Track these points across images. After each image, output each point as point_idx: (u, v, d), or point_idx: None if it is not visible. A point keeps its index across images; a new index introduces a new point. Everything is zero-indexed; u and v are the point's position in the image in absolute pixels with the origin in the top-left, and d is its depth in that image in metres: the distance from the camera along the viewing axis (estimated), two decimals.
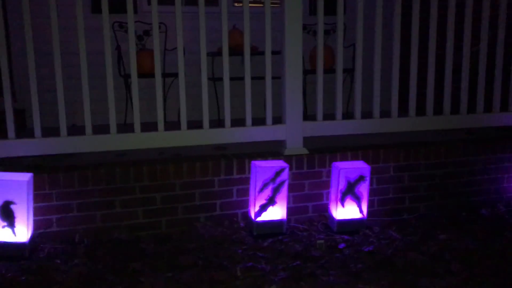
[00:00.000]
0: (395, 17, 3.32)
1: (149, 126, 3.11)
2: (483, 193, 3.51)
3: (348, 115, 3.43)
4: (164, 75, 4.43)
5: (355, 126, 3.36)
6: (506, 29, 3.50)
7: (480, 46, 3.48)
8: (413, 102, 3.43)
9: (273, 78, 3.23)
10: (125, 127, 3.76)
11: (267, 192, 3.00)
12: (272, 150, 3.28)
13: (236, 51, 3.76)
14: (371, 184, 3.28)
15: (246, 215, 3.15)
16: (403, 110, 3.46)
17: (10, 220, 2.59)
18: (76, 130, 3.22)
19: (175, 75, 4.12)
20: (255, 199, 3.00)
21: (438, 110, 3.49)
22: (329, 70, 3.46)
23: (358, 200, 3.10)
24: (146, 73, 3.98)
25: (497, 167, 3.52)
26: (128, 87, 4.39)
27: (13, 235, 2.61)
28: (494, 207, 3.47)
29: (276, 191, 3.01)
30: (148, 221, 3.01)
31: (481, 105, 3.53)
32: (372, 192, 3.28)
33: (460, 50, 3.48)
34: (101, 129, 3.02)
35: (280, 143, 3.28)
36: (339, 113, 3.34)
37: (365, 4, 3.28)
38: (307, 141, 3.29)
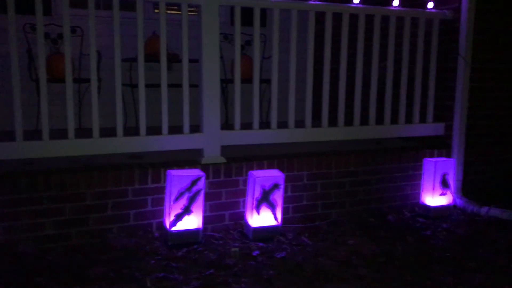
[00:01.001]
0: (309, 32, 3.46)
1: (62, 133, 2.98)
2: (390, 200, 3.74)
3: (264, 124, 3.50)
4: (80, 80, 4.28)
5: (271, 136, 3.45)
6: (409, 47, 3.76)
7: (387, 62, 3.72)
8: (325, 114, 3.58)
9: (193, 86, 3.23)
10: (37, 134, 3.58)
11: (183, 201, 2.99)
12: (189, 159, 3.27)
13: (156, 57, 3.71)
14: (286, 191, 3.38)
15: (161, 225, 3.12)
16: (317, 121, 3.60)
17: None
18: None
19: (87, 80, 3.99)
20: (170, 208, 2.98)
21: (349, 121, 3.67)
22: (250, 80, 3.53)
23: (273, 208, 3.18)
24: (60, 78, 3.81)
25: (403, 175, 3.76)
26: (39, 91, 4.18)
27: None
28: (400, 213, 3.71)
29: (192, 200, 3.01)
30: (56, 233, 2.88)
31: (388, 117, 3.76)
32: (287, 200, 3.38)
33: (369, 65, 3.69)
34: (7, 135, 2.85)
35: (198, 152, 3.28)
36: (256, 122, 3.41)
37: (283, 18, 3.38)
38: (226, 150, 3.32)
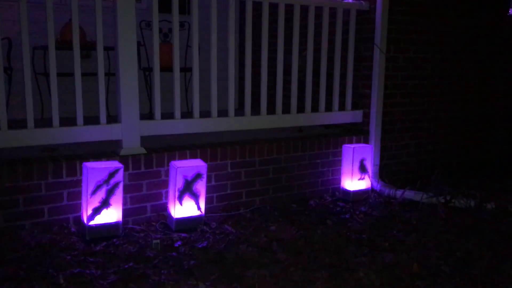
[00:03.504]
0: (229, 21, 3.44)
1: None
2: (312, 186, 3.84)
3: (189, 114, 3.46)
4: None
5: (194, 125, 3.42)
6: (329, 37, 3.86)
7: (307, 52, 3.79)
8: (248, 102, 3.60)
9: (112, 75, 3.12)
10: None
11: (101, 194, 2.89)
12: (107, 150, 3.17)
13: (70, 45, 3.55)
14: (210, 181, 3.38)
15: (79, 219, 3.00)
16: (240, 109, 3.61)
17: None
18: None
19: None
20: (87, 202, 2.87)
21: (271, 109, 3.71)
22: (167, 68, 3.46)
23: (196, 198, 3.16)
24: None
25: (324, 161, 3.88)
26: None
27: None
28: (321, 198, 3.83)
29: (110, 193, 2.92)
30: None
31: (309, 106, 3.85)
32: (211, 189, 3.38)
33: (290, 54, 3.75)
34: None
35: (116, 143, 3.19)
36: (177, 112, 3.36)
37: (204, 5, 3.34)
38: (147, 140, 3.25)
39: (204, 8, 3.40)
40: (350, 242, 3.00)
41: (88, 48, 4.11)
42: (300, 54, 3.77)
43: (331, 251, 2.86)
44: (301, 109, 3.85)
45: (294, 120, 3.81)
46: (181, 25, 4.51)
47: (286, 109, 3.77)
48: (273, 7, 3.62)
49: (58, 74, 3.00)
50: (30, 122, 2.90)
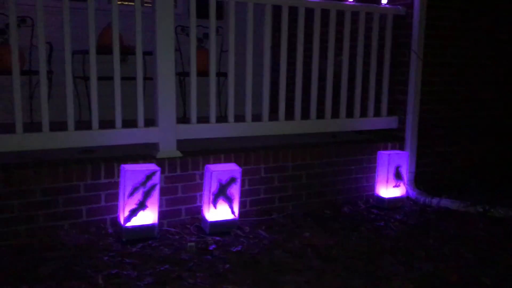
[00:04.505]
0: (265, 26, 3.46)
1: (11, 127, 2.85)
2: (346, 192, 3.80)
3: (221, 118, 3.48)
4: (30, 72, 4.12)
5: (228, 129, 3.43)
6: (364, 42, 3.83)
7: (342, 57, 3.77)
8: (282, 107, 3.60)
9: (149, 79, 3.17)
10: None
11: (138, 196, 2.94)
12: (144, 153, 3.22)
13: (110, 49, 3.63)
14: (243, 185, 3.38)
15: (116, 221, 3.06)
16: (274, 114, 3.61)
17: None
18: None
19: (34, 72, 3.86)
20: (124, 204, 2.92)
21: (305, 114, 3.70)
22: (207, 73, 3.50)
23: (230, 202, 3.17)
24: (7, 70, 3.65)
25: (358, 167, 3.83)
26: None
27: None
28: (355, 205, 3.78)
29: (147, 195, 2.96)
30: (4, 230, 2.78)
31: (343, 111, 3.82)
32: (244, 193, 3.38)
33: (325, 59, 3.73)
34: None
35: (153, 146, 3.23)
36: (212, 116, 3.39)
37: (240, 11, 3.36)
38: (182, 143, 3.29)
39: (238, 14, 3.41)
40: (386, 250, 2.95)
41: (125, 52, 4.19)
42: (335, 59, 3.75)
43: (366, 259, 2.82)
44: (335, 114, 3.82)
45: (328, 125, 3.78)
46: (216, 30, 4.56)
47: (320, 115, 3.75)
48: (309, 12, 3.61)
49: (99, 78, 3.06)
50: (71, 125, 2.97)
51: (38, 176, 2.82)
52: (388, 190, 3.76)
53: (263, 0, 3.43)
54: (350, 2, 3.74)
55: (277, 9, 3.58)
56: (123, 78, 3.35)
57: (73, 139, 2.98)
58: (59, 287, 2.35)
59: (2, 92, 3.47)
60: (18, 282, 2.39)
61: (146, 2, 3.13)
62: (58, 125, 2.98)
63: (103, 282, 2.40)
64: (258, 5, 3.43)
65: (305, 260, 2.77)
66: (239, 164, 3.30)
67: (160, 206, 3.10)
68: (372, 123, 3.96)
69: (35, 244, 2.81)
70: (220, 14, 4.37)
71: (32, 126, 2.95)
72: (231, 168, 3.19)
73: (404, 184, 3.83)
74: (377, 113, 4.00)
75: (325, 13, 3.66)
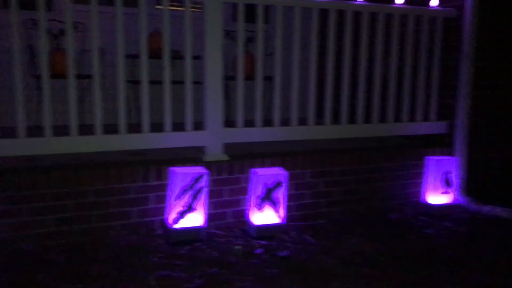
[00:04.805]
0: (312, 30, 3.44)
1: (64, 129, 2.95)
2: (392, 198, 3.73)
3: (266, 122, 3.48)
4: (81, 76, 4.24)
5: (274, 133, 3.44)
6: (413, 45, 3.75)
7: (390, 60, 3.70)
8: (328, 112, 3.57)
9: (195, 83, 3.21)
10: (37, 130, 3.57)
11: (186, 198, 2.98)
12: (191, 156, 3.26)
13: (157, 54, 3.70)
14: (289, 189, 3.37)
15: (164, 222, 3.11)
16: (320, 117, 3.58)
17: None
18: None
19: (86, 76, 3.97)
20: (173, 206, 2.97)
21: (352, 119, 3.65)
22: (251, 77, 3.52)
23: (275, 206, 3.17)
24: (61, 74, 3.78)
25: (405, 173, 3.75)
26: (40, 87, 4.15)
27: None
28: (401, 211, 3.70)
29: (195, 197, 3.00)
30: (59, 230, 2.87)
31: (391, 115, 3.75)
32: (290, 198, 3.37)
33: (372, 63, 3.68)
34: (8, 132, 2.83)
35: (200, 149, 3.27)
36: (258, 120, 3.40)
37: (284, 14, 3.36)
38: (227, 147, 3.31)
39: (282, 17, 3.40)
40: (436, 259, 2.87)
41: (172, 57, 4.25)
42: (382, 63, 3.69)
43: (416, 267, 2.75)
44: (382, 118, 3.75)
45: (375, 130, 3.72)
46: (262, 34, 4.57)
47: (366, 119, 3.70)
48: (357, 15, 3.57)
49: (139, 82, 3.11)
50: (122, 128, 3.05)
51: (91, 178, 2.90)
52: (437, 197, 3.66)
53: (310, 4, 3.42)
54: (399, 4, 3.68)
55: (323, 13, 3.55)
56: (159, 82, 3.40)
57: (125, 142, 3.05)
58: (113, 286, 2.41)
59: (57, 95, 3.57)
60: (74, 280, 2.46)
61: (193, 7, 3.17)
62: (108, 128, 3.05)
63: (155, 283, 2.44)
64: (304, 9, 3.42)
65: (354, 267, 2.74)
66: (285, 168, 3.29)
67: (206, 209, 3.13)
68: (421, 128, 3.87)
69: (88, 243, 2.90)
70: (265, 18, 4.38)
71: (84, 129, 3.03)
72: (277, 172, 3.18)
73: (453, 191, 3.72)
74: (425, 118, 3.90)
75: (372, 16, 3.61)
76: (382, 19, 3.62)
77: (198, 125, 3.26)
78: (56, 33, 4.21)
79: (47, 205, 2.83)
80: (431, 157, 3.72)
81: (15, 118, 2.80)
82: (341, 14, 3.54)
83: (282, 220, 3.20)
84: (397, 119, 3.80)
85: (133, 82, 4.28)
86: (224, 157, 3.26)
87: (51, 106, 2.90)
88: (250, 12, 3.30)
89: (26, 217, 2.79)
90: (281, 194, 3.17)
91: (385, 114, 3.75)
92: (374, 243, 3.08)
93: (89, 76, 4.17)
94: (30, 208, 2.79)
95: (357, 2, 3.56)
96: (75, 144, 2.93)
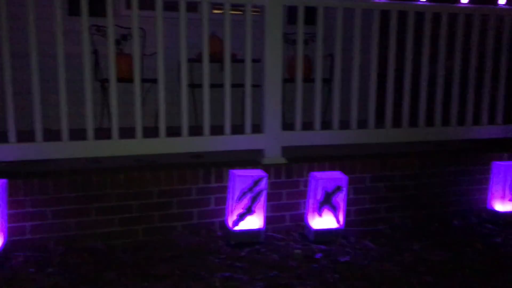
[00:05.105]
0: (373, 31, 3.38)
1: (124, 132, 3.05)
2: (455, 205, 3.60)
3: (324, 124, 3.45)
4: (142, 81, 4.37)
5: (333, 137, 3.40)
6: (478, 45, 3.60)
7: (453, 61, 3.58)
8: (389, 114, 3.49)
9: (252, 86, 3.23)
10: (101, 132, 3.70)
11: (245, 201, 3.00)
12: (249, 158, 3.28)
13: (214, 58, 3.75)
14: (348, 194, 3.32)
15: (224, 224, 3.14)
16: (379, 120, 3.51)
17: None
18: (50, 134, 3.15)
19: (152, 80, 4.08)
20: (233, 208, 2.99)
21: (413, 122, 3.56)
22: (306, 79, 3.50)
23: (335, 210, 3.13)
24: (123, 78, 3.91)
25: (469, 179, 3.61)
26: (104, 91, 4.32)
27: None
28: (465, 218, 3.56)
29: (254, 200, 3.01)
30: (124, 229, 2.96)
31: (454, 118, 3.62)
32: (348, 202, 3.32)
33: (435, 65, 3.57)
34: (76, 134, 2.96)
35: (258, 152, 3.28)
36: (317, 123, 3.37)
37: (343, 15, 3.33)
38: (285, 150, 3.30)
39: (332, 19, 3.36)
40: (505, 269, 2.75)
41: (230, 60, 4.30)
42: (445, 64, 3.56)
43: (484, 277, 2.64)
44: (444, 121, 3.63)
45: (438, 133, 3.60)
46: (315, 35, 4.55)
47: (428, 122, 3.59)
48: (419, 15, 3.47)
49: (197, 85, 3.16)
50: (185, 131, 3.11)
51: (155, 179, 2.97)
52: (504, 204, 3.50)
53: (371, 6, 3.37)
54: (464, 4, 3.54)
55: (384, 13, 3.48)
56: (221, 86, 3.43)
57: (187, 144, 3.11)
58: (178, 286, 2.46)
59: (120, 99, 3.70)
60: (139, 279, 2.53)
61: (253, 10, 3.19)
62: (167, 130, 3.10)
63: (220, 284, 2.47)
64: (365, 10, 3.36)
65: (417, 275, 2.66)
66: (344, 172, 3.25)
67: (265, 212, 3.13)
68: (486, 131, 3.71)
69: (151, 243, 2.97)
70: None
71: (144, 131, 3.10)
72: (337, 177, 3.15)
73: None
74: (491, 121, 3.74)
75: (435, 16, 3.50)
76: (445, 19, 3.50)
77: (256, 128, 3.28)
78: (118, 38, 4.36)
79: (113, 205, 2.93)
80: (498, 162, 3.56)
81: (83, 120, 2.91)
82: (402, 15, 3.45)
83: (340, 225, 3.16)
84: (461, 122, 3.66)
85: (191, 86, 4.37)
86: (282, 160, 3.26)
87: (117, 109, 2.99)
88: (309, 15, 3.27)
89: (93, 217, 2.90)
90: (340, 199, 3.13)
91: (448, 117, 3.63)
92: (437, 250, 2.98)
93: (149, 80, 4.31)
94: (97, 207, 2.90)
95: (419, 3, 3.47)
96: (140, 146, 3.02)
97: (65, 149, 2.85)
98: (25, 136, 2.86)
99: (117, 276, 2.55)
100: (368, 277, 2.63)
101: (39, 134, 2.82)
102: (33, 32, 2.76)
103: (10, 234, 2.72)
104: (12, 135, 2.78)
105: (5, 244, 2.65)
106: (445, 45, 3.54)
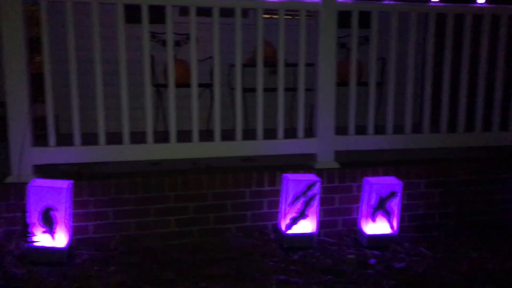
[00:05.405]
0: (429, 34, 3.33)
1: (186, 136, 3.13)
2: None
3: (378, 128, 3.42)
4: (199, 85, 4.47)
5: (387, 141, 3.37)
6: None
7: (497, 64, 3.47)
8: (444, 119, 3.42)
9: (296, 90, 3.25)
10: (157, 135, 3.82)
11: (298, 205, 3.02)
12: (301, 162, 3.30)
13: (264, 62, 3.79)
14: (402, 199, 3.28)
15: (276, 227, 3.17)
16: (433, 125, 3.45)
17: (49, 225, 2.66)
18: (111, 138, 3.29)
19: (204, 85, 4.17)
20: (286, 211, 3.02)
21: (469, 126, 3.47)
22: (348, 83, 3.47)
23: (389, 216, 3.10)
24: (177, 83, 4.02)
25: None
26: (159, 96, 4.45)
27: (52, 240, 2.67)
28: None
29: (307, 204, 3.03)
30: (180, 230, 3.05)
31: (497, 123, 3.50)
32: (402, 208, 3.27)
33: (494, 67, 3.46)
34: (133, 137, 3.06)
35: (310, 156, 3.30)
36: (371, 127, 3.35)
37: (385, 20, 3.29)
38: (336, 154, 3.30)
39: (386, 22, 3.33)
40: None
41: (276, 65, 4.33)
42: (505, 66, 3.45)
43: None
44: (503, 126, 3.51)
45: (496, 138, 3.50)
46: (367, 39, 4.51)
47: (486, 126, 3.49)
48: (459, 16, 3.37)
49: (252, 90, 3.20)
50: (238, 135, 3.17)
51: (210, 182, 3.05)
52: None
53: (427, 9, 3.32)
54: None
55: (421, 16, 3.42)
56: (274, 89, 3.47)
57: (240, 148, 3.17)
58: (233, 287, 2.51)
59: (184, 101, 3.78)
60: (196, 279, 2.60)
61: (292, 15, 3.23)
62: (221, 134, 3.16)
63: (276, 287, 2.50)
64: (420, 13, 3.32)
65: (477, 284, 2.59)
66: (398, 178, 3.21)
67: (318, 216, 3.14)
68: None
69: (205, 244, 3.04)
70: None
71: (205, 135, 3.18)
72: (392, 182, 3.12)
73: None
74: None
75: (493, 19, 3.40)
76: (488, 21, 3.39)
77: (308, 132, 3.29)
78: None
79: (170, 206, 3.02)
80: None
81: (139, 124, 3.01)
82: (459, 18, 3.38)
83: (394, 230, 3.12)
84: (504, 127, 3.53)
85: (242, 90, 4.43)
86: (335, 165, 3.26)
87: (175, 114, 3.07)
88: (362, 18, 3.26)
89: (152, 217, 3.00)
90: (395, 204, 3.10)
91: (507, 121, 3.51)
92: (497, 259, 2.90)
93: (202, 85, 4.41)
94: (156, 209, 3.00)
95: (477, 4, 3.38)
96: (196, 150, 3.10)
97: (126, 152, 2.97)
98: (86, 139, 2.98)
99: (175, 275, 2.63)
100: (426, 284, 2.59)
101: (102, 138, 2.95)
102: (98, 41, 2.89)
103: (75, 232, 2.86)
104: (77, 138, 2.92)
105: (70, 242, 2.78)
106: (505, 47, 3.43)
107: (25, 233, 2.58)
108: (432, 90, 3.39)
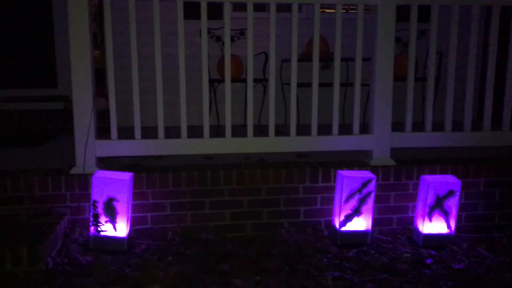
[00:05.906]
0: (492, 28, 3.20)
1: (240, 130, 3.17)
2: None
3: (434, 125, 3.33)
4: (244, 81, 4.51)
5: (445, 139, 3.28)
6: None
7: None
8: (507, 115, 3.29)
9: (349, 85, 3.21)
10: (211, 130, 3.88)
11: (353, 202, 2.99)
12: (355, 159, 3.27)
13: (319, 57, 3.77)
14: (459, 199, 3.19)
15: (329, 223, 3.16)
16: (494, 122, 3.32)
17: (112, 216, 2.77)
18: (166, 132, 3.37)
19: (257, 80, 4.19)
20: (340, 208, 3.00)
21: None
22: (402, 78, 3.39)
23: (446, 215, 3.03)
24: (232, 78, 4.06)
25: None
26: (212, 91, 4.52)
27: (113, 230, 2.78)
28: None
29: (362, 202, 3.00)
30: (234, 223, 3.10)
31: None
32: (460, 207, 3.19)
33: None
34: (192, 132, 3.13)
35: (365, 153, 3.26)
36: (428, 124, 3.27)
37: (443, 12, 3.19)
38: (392, 151, 3.24)
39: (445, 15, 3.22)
40: None
41: (330, 59, 4.30)
42: None
43: None
44: None
45: None
46: (423, 33, 4.39)
47: None
48: None
49: (303, 85, 3.18)
50: (293, 130, 3.17)
51: (264, 177, 3.07)
52: None
53: (490, 2, 3.20)
54: None
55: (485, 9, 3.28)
56: (326, 85, 3.44)
57: (294, 144, 3.17)
58: (290, 282, 2.52)
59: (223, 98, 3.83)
60: (251, 272, 2.63)
61: (347, 9, 3.19)
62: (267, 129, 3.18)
63: (331, 283, 2.50)
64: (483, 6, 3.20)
65: None
66: (456, 176, 3.12)
67: (373, 214, 3.10)
68: None
69: (258, 238, 3.07)
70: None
71: (237, 129, 3.18)
72: (450, 181, 3.03)
73: None
74: None
75: None
76: None
77: (363, 128, 3.25)
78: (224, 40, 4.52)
79: (224, 200, 3.07)
80: None
81: (194, 118, 3.07)
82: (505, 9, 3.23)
83: (451, 230, 3.04)
84: None
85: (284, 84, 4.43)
86: (391, 162, 3.20)
87: (230, 109, 3.12)
88: (406, 13, 3.18)
89: (207, 210, 3.06)
90: (453, 204, 3.02)
91: None
92: None
93: (255, 80, 4.43)
94: (211, 202, 3.06)
95: None
96: (250, 145, 3.13)
97: (183, 146, 3.04)
98: (143, 133, 3.07)
99: (230, 267, 2.67)
100: (486, 287, 2.51)
101: (161, 132, 3.04)
102: (158, 37, 2.97)
103: (134, 223, 2.97)
104: (137, 132, 3.02)
105: (130, 232, 2.89)
106: None
107: (96, 222, 2.70)
108: (494, 86, 3.27)
